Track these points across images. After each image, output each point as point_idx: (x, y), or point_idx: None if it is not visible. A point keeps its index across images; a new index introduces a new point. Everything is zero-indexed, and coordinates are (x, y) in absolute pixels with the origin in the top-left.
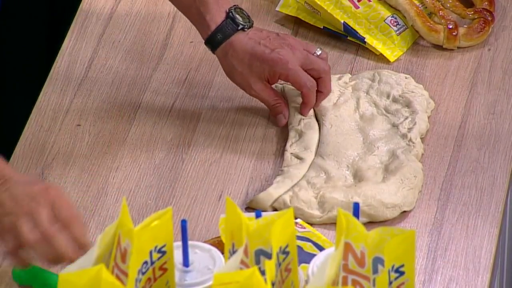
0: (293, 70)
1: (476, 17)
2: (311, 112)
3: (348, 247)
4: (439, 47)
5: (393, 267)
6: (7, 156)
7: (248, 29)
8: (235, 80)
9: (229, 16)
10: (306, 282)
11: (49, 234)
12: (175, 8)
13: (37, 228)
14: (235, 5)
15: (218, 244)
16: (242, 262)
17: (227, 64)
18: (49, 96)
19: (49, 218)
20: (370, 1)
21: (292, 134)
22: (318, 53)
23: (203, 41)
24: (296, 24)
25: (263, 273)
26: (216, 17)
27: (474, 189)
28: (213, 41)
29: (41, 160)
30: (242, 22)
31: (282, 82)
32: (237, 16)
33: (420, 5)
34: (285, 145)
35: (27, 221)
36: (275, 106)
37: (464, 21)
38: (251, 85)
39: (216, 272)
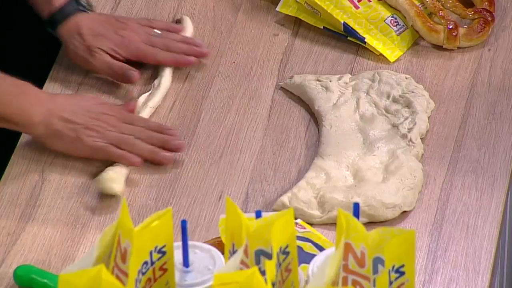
0: (135, 47)
1: (476, 17)
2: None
3: (348, 247)
4: (439, 48)
5: (393, 267)
6: (7, 156)
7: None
8: (77, 57)
9: None
10: (306, 282)
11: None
12: (175, 8)
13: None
14: None
15: (218, 244)
16: (242, 262)
17: (72, 42)
18: None
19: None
20: (370, 1)
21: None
22: (157, 34)
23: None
24: (296, 24)
25: (263, 273)
26: None
27: (474, 190)
28: (55, 20)
29: (41, 160)
30: (84, 4)
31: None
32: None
33: (420, 5)
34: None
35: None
36: (121, 69)
37: (464, 21)
38: (93, 59)
39: (216, 272)
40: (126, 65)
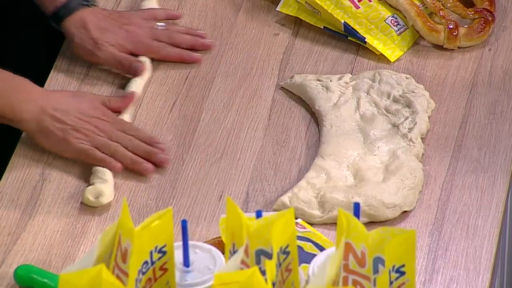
0: (141, 42)
1: (476, 17)
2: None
3: (348, 247)
4: (439, 47)
5: (393, 267)
6: (7, 156)
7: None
8: (83, 51)
9: None
10: (307, 282)
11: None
12: (176, 8)
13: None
14: None
15: (219, 244)
16: (243, 262)
17: (78, 36)
18: None
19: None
20: (371, 1)
21: None
22: (161, 27)
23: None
24: (296, 24)
25: (263, 273)
26: None
27: (474, 189)
28: (60, 15)
29: (42, 160)
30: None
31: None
32: None
33: (421, 5)
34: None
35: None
36: (127, 61)
37: (465, 21)
38: (100, 52)
39: (217, 272)
40: (132, 57)
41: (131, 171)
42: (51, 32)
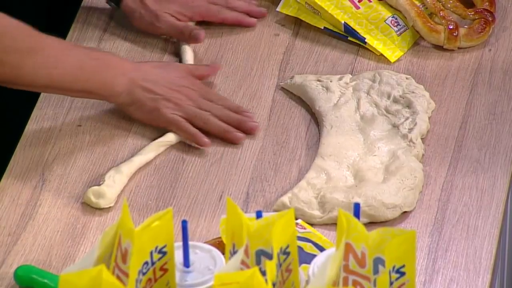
0: (198, 7)
1: (476, 17)
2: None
3: (348, 248)
4: (439, 48)
5: (393, 267)
6: (7, 156)
7: None
8: (144, 24)
9: None
10: (307, 282)
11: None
12: None
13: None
14: None
15: (219, 244)
16: (243, 262)
17: (137, 11)
18: (50, 96)
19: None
20: (371, 1)
21: None
22: None
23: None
24: (296, 24)
25: (263, 273)
26: None
27: (474, 190)
28: None
29: (42, 160)
30: None
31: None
32: None
33: (421, 6)
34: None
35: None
36: (187, 29)
37: (465, 22)
38: (160, 23)
39: (217, 273)
40: (191, 25)
41: (222, 140)
42: None
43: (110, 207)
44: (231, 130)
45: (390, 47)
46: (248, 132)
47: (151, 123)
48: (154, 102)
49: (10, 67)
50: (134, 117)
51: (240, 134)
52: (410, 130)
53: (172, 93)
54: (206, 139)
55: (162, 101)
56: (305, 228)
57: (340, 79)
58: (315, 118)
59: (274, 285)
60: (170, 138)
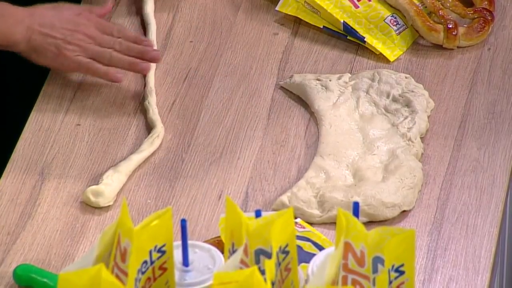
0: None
1: (476, 16)
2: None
3: (348, 247)
4: (439, 47)
5: (393, 266)
6: (7, 156)
7: None
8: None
9: None
10: (306, 281)
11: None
12: (175, 7)
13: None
14: None
15: (218, 243)
16: (242, 261)
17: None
18: (49, 96)
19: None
20: (370, 0)
21: None
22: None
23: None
24: (295, 23)
25: (263, 272)
26: None
27: (473, 189)
28: None
29: (41, 160)
30: None
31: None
32: None
33: (420, 5)
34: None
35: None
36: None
37: (464, 21)
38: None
39: (216, 272)
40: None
41: (129, 71)
42: None
43: (109, 206)
44: (136, 61)
45: (389, 46)
46: (152, 61)
47: (60, 69)
48: (56, 47)
49: None
50: (40, 63)
51: (145, 64)
52: (409, 129)
53: (72, 34)
54: (119, 74)
55: (63, 44)
56: (304, 227)
57: (339, 78)
58: (314, 117)
59: (273, 284)
60: (158, 130)
